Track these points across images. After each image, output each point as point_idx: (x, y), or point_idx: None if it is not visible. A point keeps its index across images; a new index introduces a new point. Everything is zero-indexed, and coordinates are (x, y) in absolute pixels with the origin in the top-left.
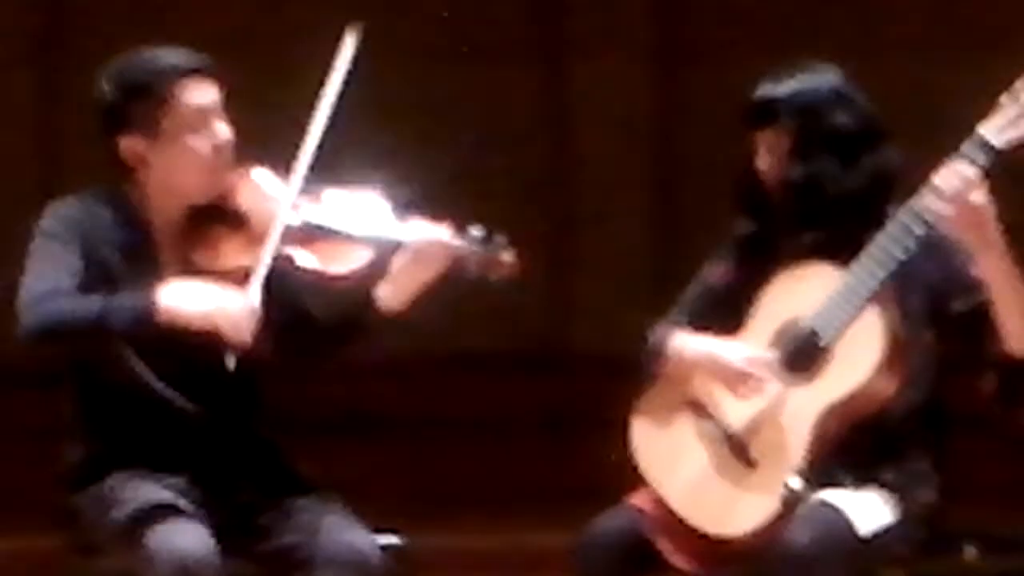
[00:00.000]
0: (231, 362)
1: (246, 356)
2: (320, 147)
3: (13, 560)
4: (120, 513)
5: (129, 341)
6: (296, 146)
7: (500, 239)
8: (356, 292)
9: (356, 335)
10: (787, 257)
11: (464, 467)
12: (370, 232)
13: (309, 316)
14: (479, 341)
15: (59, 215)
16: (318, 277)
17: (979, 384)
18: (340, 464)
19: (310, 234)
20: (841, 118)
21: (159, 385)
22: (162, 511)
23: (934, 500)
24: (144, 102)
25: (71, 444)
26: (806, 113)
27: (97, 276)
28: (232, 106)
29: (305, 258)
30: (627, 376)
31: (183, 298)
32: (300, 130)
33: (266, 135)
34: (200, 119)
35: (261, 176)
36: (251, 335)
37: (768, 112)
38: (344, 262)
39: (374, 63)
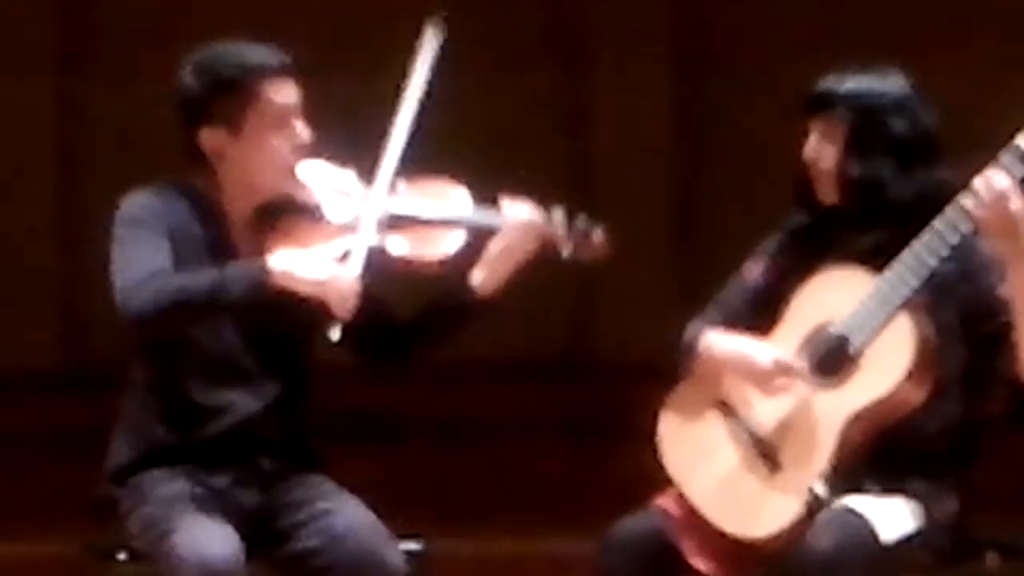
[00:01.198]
0: (335, 334)
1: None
2: (409, 141)
3: (33, 565)
4: (151, 508)
5: (244, 311)
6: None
7: (585, 220)
8: (448, 279)
9: (455, 325)
10: (838, 256)
11: (488, 473)
12: (462, 216)
13: (394, 320)
14: (504, 348)
15: (138, 203)
16: (412, 265)
17: (990, 404)
18: (364, 469)
19: (400, 224)
20: (899, 125)
21: (213, 391)
22: (191, 510)
23: (958, 509)
24: (231, 97)
25: (119, 442)
26: (865, 110)
27: (177, 261)
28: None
29: (398, 246)
30: (649, 382)
31: (296, 265)
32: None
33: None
34: (283, 118)
35: (330, 169)
36: (354, 310)
37: (826, 100)
38: (439, 247)
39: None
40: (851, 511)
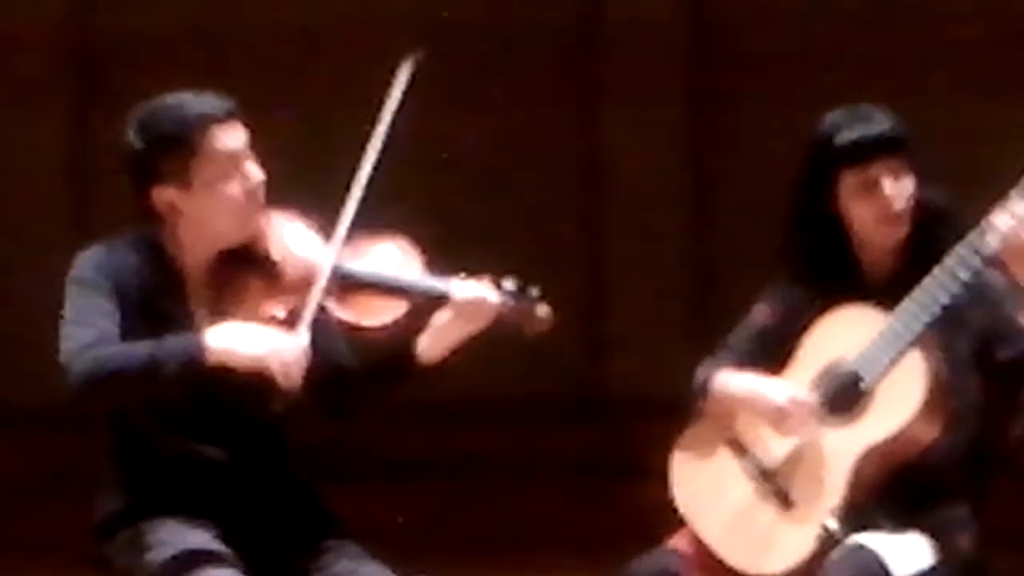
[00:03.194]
0: (280, 406)
1: (294, 400)
2: (366, 196)
3: None
4: (156, 557)
5: (180, 386)
6: (330, 197)
7: (534, 292)
8: (394, 344)
9: (395, 386)
10: (853, 295)
11: (501, 511)
12: (408, 284)
13: (346, 370)
14: (515, 385)
15: (89, 262)
16: (354, 329)
17: (1012, 431)
18: (375, 509)
19: (348, 286)
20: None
21: (189, 435)
22: (198, 556)
23: (972, 546)
24: (174, 153)
25: (105, 494)
26: (917, 147)
27: (129, 322)
28: (265, 149)
29: (342, 311)
30: (662, 421)
31: (234, 340)
32: (335, 178)
33: (302, 183)
34: (231, 164)
35: (292, 224)
36: (300, 379)
37: (895, 141)
38: (381, 315)
39: (408, 109)
40: (864, 548)
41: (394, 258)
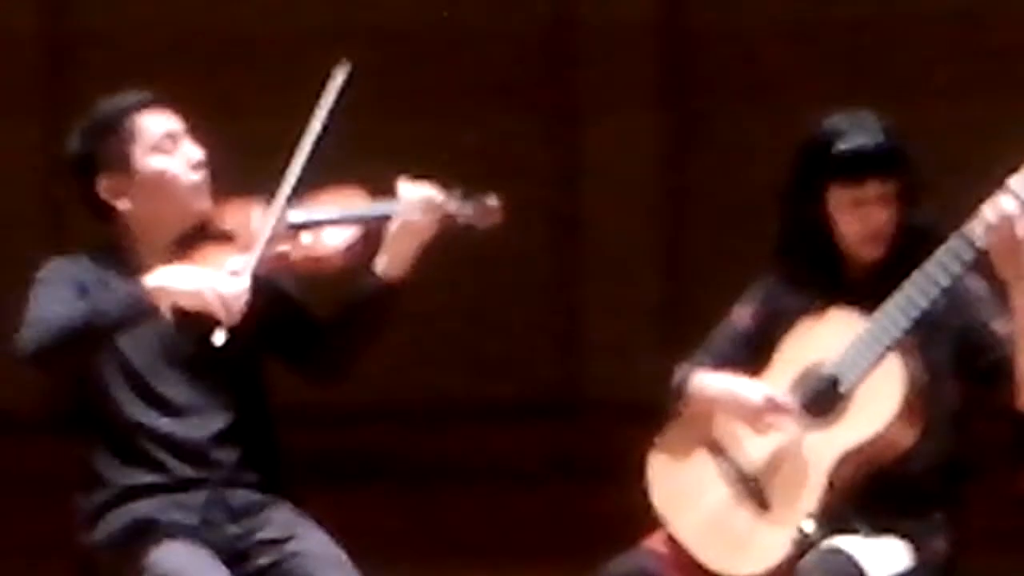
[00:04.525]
0: (220, 337)
1: (236, 346)
2: (302, 180)
3: None
4: (137, 552)
5: (124, 329)
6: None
7: (483, 194)
8: (355, 275)
9: (369, 318)
10: (832, 299)
11: (476, 513)
12: (356, 212)
13: (315, 322)
14: (490, 387)
15: (51, 267)
16: (314, 263)
17: (991, 438)
18: (347, 510)
19: (298, 230)
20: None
21: (161, 421)
22: (182, 549)
23: (947, 551)
24: (112, 138)
25: (86, 495)
26: (907, 161)
27: None
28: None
29: (297, 249)
30: (636, 422)
31: (171, 278)
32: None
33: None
34: (168, 143)
35: (243, 202)
36: (240, 312)
37: (887, 160)
38: (332, 242)
39: (382, 116)
40: (840, 551)
41: (338, 196)
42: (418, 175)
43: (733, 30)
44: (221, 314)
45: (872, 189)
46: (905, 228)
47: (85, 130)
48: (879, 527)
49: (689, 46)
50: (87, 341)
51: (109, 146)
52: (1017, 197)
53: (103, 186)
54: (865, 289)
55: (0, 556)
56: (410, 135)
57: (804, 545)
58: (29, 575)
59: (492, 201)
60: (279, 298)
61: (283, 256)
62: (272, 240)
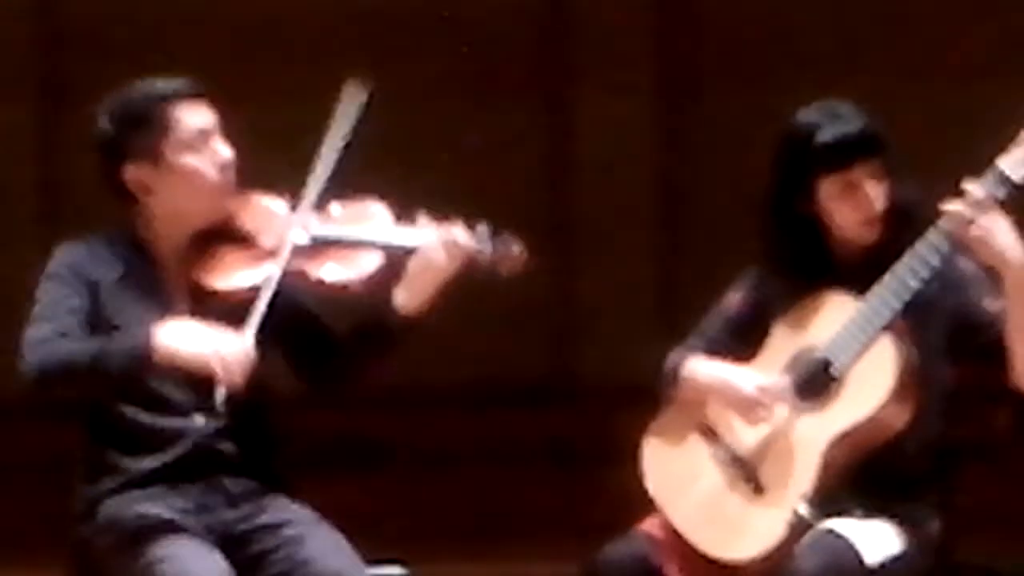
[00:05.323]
0: (220, 398)
1: (237, 395)
2: (327, 181)
3: None
4: (132, 539)
5: (125, 382)
6: (302, 179)
7: (507, 235)
8: (372, 299)
9: (381, 345)
10: (825, 283)
11: (470, 499)
12: (380, 238)
13: (329, 336)
14: (484, 373)
15: (62, 258)
16: (332, 288)
17: (992, 417)
18: (345, 496)
19: (319, 247)
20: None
21: (162, 419)
22: (176, 536)
23: (942, 532)
24: (144, 129)
25: (83, 478)
26: (886, 143)
27: (104, 313)
28: (232, 133)
29: (316, 270)
30: (632, 406)
31: (178, 339)
32: (306, 163)
33: (270, 165)
34: (200, 140)
35: (265, 200)
36: (243, 377)
37: (874, 144)
38: (355, 268)
39: (378, 101)
40: (835, 533)
41: (364, 215)
42: (414, 162)
43: (732, 15)
44: (225, 381)
45: (860, 171)
46: (891, 207)
47: (116, 114)
48: (873, 509)
49: (687, 32)
50: (86, 384)
51: (139, 136)
52: (999, 175)
53: (129, 174)
54: (855, 271)
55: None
56: (407, 121)
57: (799, 528)
58: (24, 562)
59: (516, 247)
60: (294, 306)
61: (301, 274)
62: (291, 257)
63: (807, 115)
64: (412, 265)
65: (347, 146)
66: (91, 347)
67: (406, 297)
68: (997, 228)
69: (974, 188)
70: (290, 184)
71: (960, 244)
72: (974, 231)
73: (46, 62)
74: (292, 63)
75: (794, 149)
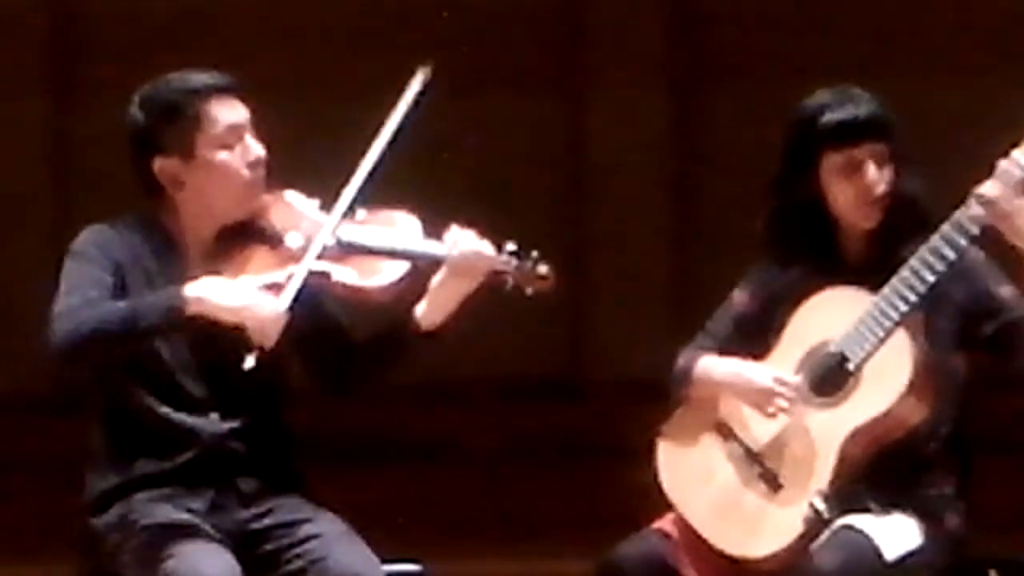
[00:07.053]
0: (250, 362)
1: (266, 362)
2: (372, 177)
3: None
4: (142, 536)
5: (159, 338)
6: (325, 176)
7: (535, 253)
8: (394, 309)
9: (396, 355)
10: (835, 278)
11: (483, 494)
12: (407, 247)
13: (347, 340)
14: (498, 369)
15: (88, 238)
16: (355, 292)
17: (1011, 403)
18: (359, 491)
19: (347, 251)
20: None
21: (178, 415)
22: (186, 535)
23: (959, 525)
24: (177, 123)
25: (95, 473)
26: (896, 130)
27: (129, 296)
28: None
29: (342, 273)
30: (644, 402)
31: (213, 291)
32: (329, 160)
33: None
34: (233, 136)
35: (294, 198)
36: (275, 338)
37: (880, 126)
38: (381, 276)
39: (388, 100)
40: (854, 529)
41: (393, 223)
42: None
43: (743, 12)
44: (257, 337)
45: (866, 151)
46: (895, 195)
47: (150, 105)
48: (890, 504)
49: (697, 23)
50: (120, 345)
51: (173, 129)
52: (1018, 166)
53: (159, 167)
54: (861, 264)
55: (5, 535)
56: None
57: (816, 524)
58: (33, 555)
59: (543, 267)
60: (315, 307)
61: (325, 276)
62: (318, 258)
63: (820, 95)
64: (437, 278)
65: (393, 142)
66: (121, 308)
67: (427, 309)
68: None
69: (1007, 167)
70: (313, 182)
71: (981, 237)
72: (1005, 211)
73: (59, 59)
74: (311, 60)
75: (803, 125)
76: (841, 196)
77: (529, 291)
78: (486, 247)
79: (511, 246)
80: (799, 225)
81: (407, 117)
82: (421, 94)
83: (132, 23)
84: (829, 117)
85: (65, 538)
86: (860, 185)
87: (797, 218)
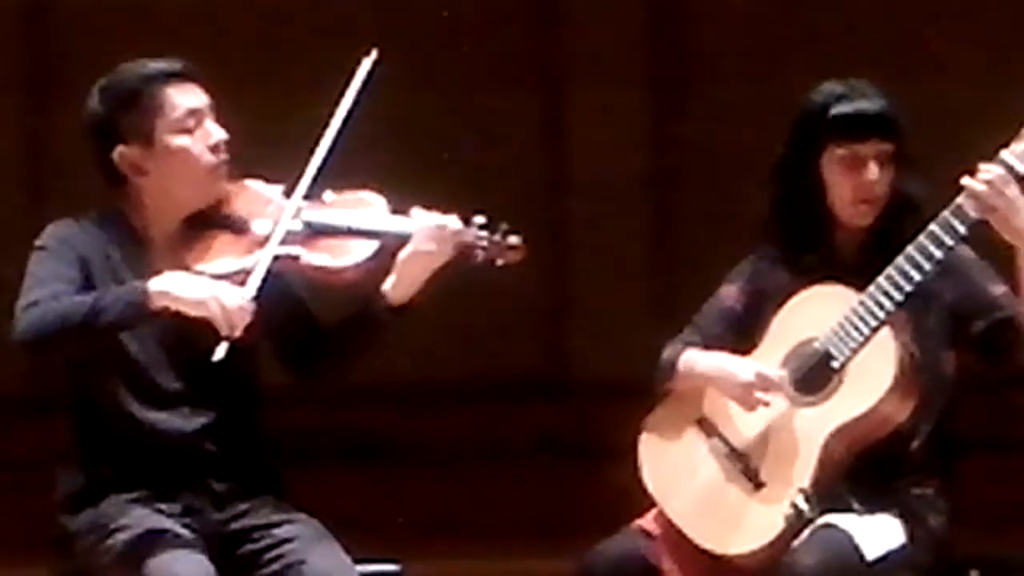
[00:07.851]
0: (219, 353)
1: (236, 352)
2: (324, 166)
3: None
4: (118, 539)
5: (122, 331)
6: (296, 163)
7: (504, 225)
8: (364, 288)
9: (368, 334)
10: (823, 276)
11: (463, 493)
12: (375, 225)
13: (317, 324)
14: (477, 367)
15: (54, 232)
16: (326, 274)
17: (1007, 400)
18: (339, 491)
19: (315, 233)
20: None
21: (150, 413)
22: (161, 538)
23: (941, 525)
24: (136, 109)
25: (67, 472)
26: (902, 129)
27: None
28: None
29: (312, 256)
30: (626, 402)
31: (177, 285)
32: (296, 148)
33: (262, 153)
34: (192, 120)
35: (257, 185)
36: (242, 327)
37: (886, 124)
38: (351, 256)
39: (374, 87)
40: (835, 527)
41: (359, 203)
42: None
43: (720, 4)
44: (224, 329)
45: (870, 149)
46: (895, 196)
47: (108, 94)
48: (872, 502)
49: (676, 19)
50: (84, 338)
51: (132, 117)
52: (1006, 166)
53: (120, 155)
54: (853, 263)
55: None
56: (397, 111)
57: (797, 522)
58: (9, 561)
59: (513, 238)
60: (283, 291)
61: (295, 260)
62: (284, 242)
63: (832, 86)
64: (403, 253)
65: (345, 126)
66: (85, 301)
67: (395, 286)
68: (1019, 203)
69: (1000, 160)
70: (281, 171)
71: (968, 236)
72: (995, 206)
73: (31, 54)
74: (285, 49)
75: (811, 113)
76: (838, 190)
77: (500, 262)
78: (453, 221)
79: (480, 219)
80: (797, 215)
81: (356, 103)
82: (368, 80)
83: (110, 15)
84: (838, 109)
85: (40, 541)
86: (859, 182)
87: (797, 208)
